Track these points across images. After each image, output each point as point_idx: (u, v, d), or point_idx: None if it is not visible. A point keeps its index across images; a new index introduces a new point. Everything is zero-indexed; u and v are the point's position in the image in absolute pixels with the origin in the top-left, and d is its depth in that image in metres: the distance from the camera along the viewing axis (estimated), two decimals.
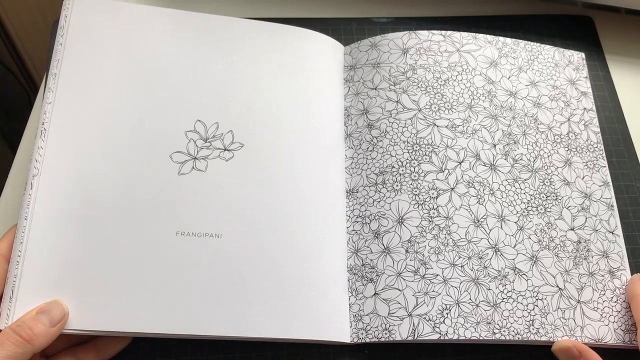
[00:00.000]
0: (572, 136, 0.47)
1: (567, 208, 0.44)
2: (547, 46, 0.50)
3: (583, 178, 0.46)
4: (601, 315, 0.42)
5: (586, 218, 0.44)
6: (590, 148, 0.47)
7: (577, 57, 0.51)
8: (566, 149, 0.46)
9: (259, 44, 0.46)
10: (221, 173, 0.42)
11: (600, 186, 0.46)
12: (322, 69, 0.47)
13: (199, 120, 0.43)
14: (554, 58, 0.50)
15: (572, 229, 0.44)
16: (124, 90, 0.42)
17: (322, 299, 0.40)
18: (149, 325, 0.37)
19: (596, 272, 0.43)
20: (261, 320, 0.38)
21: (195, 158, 0.42)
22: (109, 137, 0.41)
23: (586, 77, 0.50)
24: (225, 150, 0.42)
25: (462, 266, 0.41)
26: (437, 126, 0.45)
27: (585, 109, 0.48)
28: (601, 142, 0.48)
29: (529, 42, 0.50)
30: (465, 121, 0.46)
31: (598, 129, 0.48)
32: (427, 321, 0.39)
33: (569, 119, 0.48)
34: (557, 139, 0.47)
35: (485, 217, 0.43)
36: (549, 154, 0.46)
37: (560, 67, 0.50)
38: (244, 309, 0.38)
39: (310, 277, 0.40)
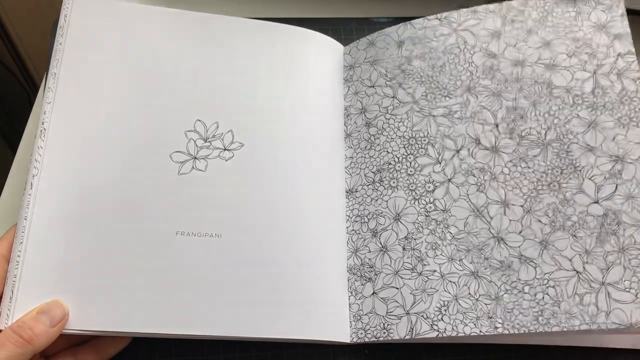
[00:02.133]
0: (598, 92, 0.41)
1: (590, 178, 0.39)
2: None
3: (614, 139, 0.40)
4: (636, 296, 0.36)
5: (616, 185, 0.39)
6: (626, 100, 0.40)
7: None
8: (590, 109, 0.41)
9: (259, 43, 0.46)
10: (221, 173, 0.42)
11: (638, 143, 0.39)
12: (321, 69, 0.47)
13: (199, 120, 0.43)
14: (576, 5, 0.44)
15: (596, 202, 0.39)
16: (124, 89, 0.42)
17: (322, 299, 0.40)
18: (149, 325, 0.37)
19: (630, 247, 0.37)
20: (261, 320, 0.38)
21: (195, 158, 0.42)
22: (108, 136, 0.41)
23: (622, 14, 0.43)
24: (225, 150, 0.42)
25: (460, 260, 0.40)
26: (433, 116, 0.44)
27: (619, 54, 0.42)
28: None
29: None
30: (463, 105, 0.43)
31: (639, 74, 0.41)
32: (425, 319, 0.39)
33: (594, 73, 0.41)
34: (578, 100, 0.41)
35: (485, 205, 0.41)
36: (565, 121, 0.41)
37: (583, 14, 0.43)
38: (244, 309, 0.38)
39: (311, 277, 0.40)
